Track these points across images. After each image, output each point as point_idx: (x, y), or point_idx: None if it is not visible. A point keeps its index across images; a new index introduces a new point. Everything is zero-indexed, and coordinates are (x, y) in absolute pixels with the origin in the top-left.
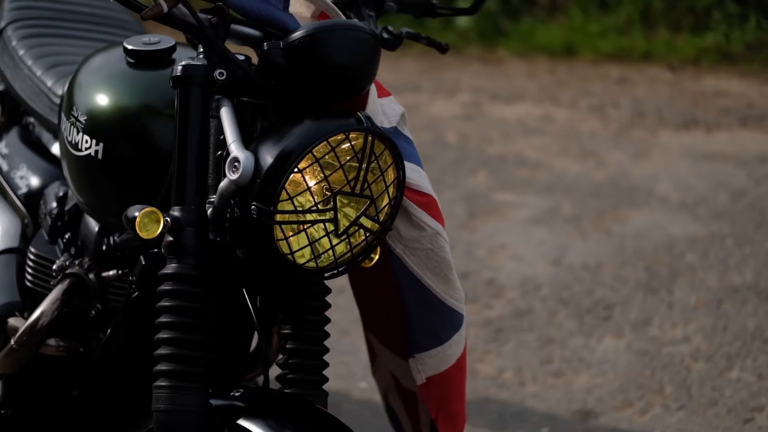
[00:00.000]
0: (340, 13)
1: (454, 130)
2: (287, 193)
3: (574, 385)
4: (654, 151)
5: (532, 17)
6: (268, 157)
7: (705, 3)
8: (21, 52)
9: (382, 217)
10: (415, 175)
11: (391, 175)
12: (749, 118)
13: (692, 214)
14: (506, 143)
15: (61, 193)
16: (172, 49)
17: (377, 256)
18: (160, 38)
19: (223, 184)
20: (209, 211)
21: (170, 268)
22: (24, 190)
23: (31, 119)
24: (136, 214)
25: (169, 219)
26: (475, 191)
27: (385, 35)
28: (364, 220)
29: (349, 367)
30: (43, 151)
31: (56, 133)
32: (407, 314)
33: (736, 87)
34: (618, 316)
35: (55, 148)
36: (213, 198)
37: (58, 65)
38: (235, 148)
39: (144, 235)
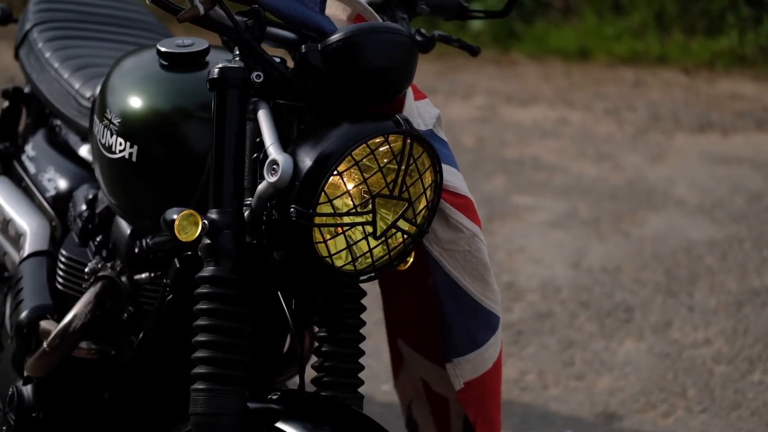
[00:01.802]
0: (377, 15)
1: (470, 132)
2: (326, 195)
3: (597, 387)
4: (670, 154)
5: (545, 20)
6: (306, 160)
7: (719, 6)
8: (47, 55)
9: (419, 220)
10: (451, 177)
11: (428, 178)
12: (765, 121)
13: (710, 217)
14: (522, 146)
15: (90, 196)
16: (206, 51)
17: (411, 259)
18: (193, 40)
19: (261, 186)
20: (246, 213)
21: (207, 270)
22: (52, 192)
23: (58, 121)
24: (175, 216)
25: (206, 222)
26: (493, 194)
27: (418, 38)
28: (401, 223)
29: (371, 369)
30: (71, 154)
31: (84, 136)
32: (444, 318)
33: (751, 90)
34: (638, 319)
35: (83, 151)
36: (249, 200)
37: (85, 67)
38: (273, 151)
39: (182, 237)
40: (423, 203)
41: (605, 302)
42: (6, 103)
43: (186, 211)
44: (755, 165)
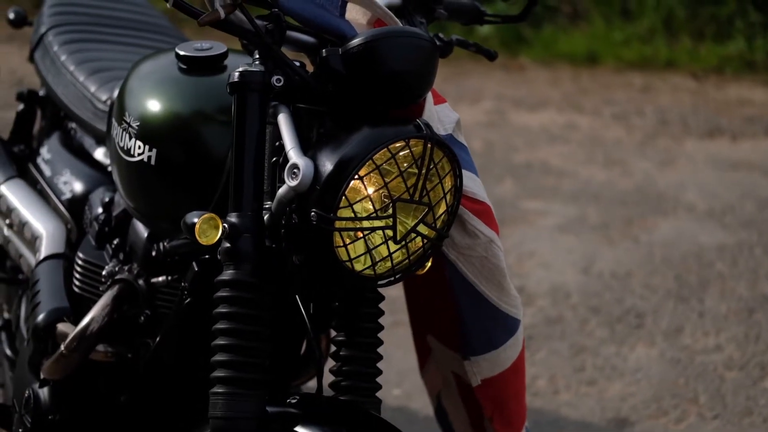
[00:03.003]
0: (397, 20)
1: (478, 137)
2: (347, 199)
3: (608, 393)
4: (679, 159)
5: (554, 25)
6: (327, 164)
7: (727, 11)
8: (63, 58)
9: (439, 225)
10: (470, 182)
11: (448, 183)
12: None
13: (720, 223)
14: (531, 151)
15: (107, 199)
16: (224, 55)
17: (429, 263)
18: (211, 44)
19: (281, 190)
20: (266, 217)
21: (227, 274)
22: (68, 195)
23: (73, 124)
24: (195, 220)
25: (226, 225)
26: (502, 199)
27: (437, 42)
28: (420, 228)
29: (383, 374)
30: (86, 157)
31: (99, 139)
32: (462, 318)
33: (760, 95)
34: (649, 325)
35: (98, 154)
36: (268, 204)
37: (101, 71)
38: (294, 155)
39: (203, 241)
40: (443, 208)
41: (616, 308)
42: (21, 106)
43: (207, 215)
44: (765, 170)
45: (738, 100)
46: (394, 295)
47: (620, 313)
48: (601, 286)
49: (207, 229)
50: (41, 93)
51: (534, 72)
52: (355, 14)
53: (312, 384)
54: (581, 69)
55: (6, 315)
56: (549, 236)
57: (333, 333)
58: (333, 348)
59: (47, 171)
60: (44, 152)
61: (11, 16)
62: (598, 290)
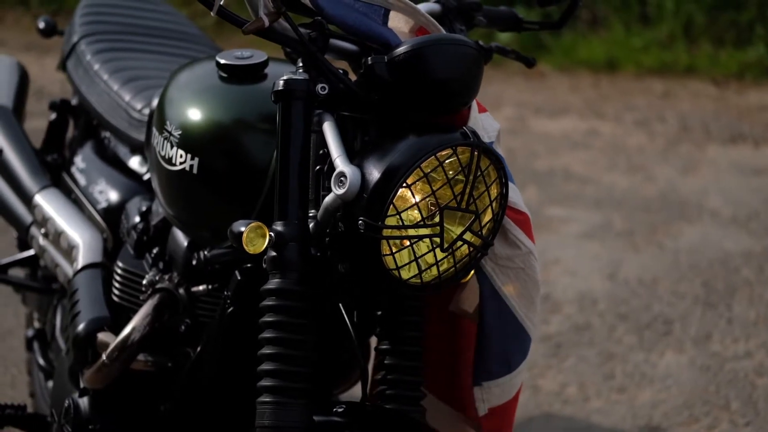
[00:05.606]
0: (441, 27)
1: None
2: (395, 207)
3: (639, 400)
4: (702, 165)
5: (573, 31)
6: (374, 172)
7: (747, 17)
8: (96, 67)
9: (485, 233)
10: (510, 192)
11: (494, 191)
12: None
13: (745, 229)
14: (553, 157)
15: (144, 208)
16: (265, 63)
17: (473, 272)
18: (252, 52)
19: (328, 198)
20: (311, 225)
21: (273, 283)
22: (103, 204)
23: (107, 134)
24: (243, 229)
25: (272, 234)
26: (526, 205)
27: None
28: (467, 235)
29: None
30: (121, 166)
31: (134, 148)
32: (483, 337)
33: None
34: (678, 331)
35: (133, 163)
36: (313, 212)
37: (135, 80)
38: (340, 163)
39: (250, 250)
40: (489, 215)
41: (643, 314)
42: (53, 115)
43: (254, 224)
44: None
45: (759, 106)
46: None
47: (648, 320)
48: (627, 293)
49: (254, 237)
50: (73, 102)
51: (554, 79)
52: (398, 22)
53: (355, 392)
54: (601, 75)
55: (37, 324)
56: (573, 243)
57: (376, 343)
58: (377, 356)
59: (82, 180)
60: (78, 161)
61: (41, 25)
62: (625, 297)
